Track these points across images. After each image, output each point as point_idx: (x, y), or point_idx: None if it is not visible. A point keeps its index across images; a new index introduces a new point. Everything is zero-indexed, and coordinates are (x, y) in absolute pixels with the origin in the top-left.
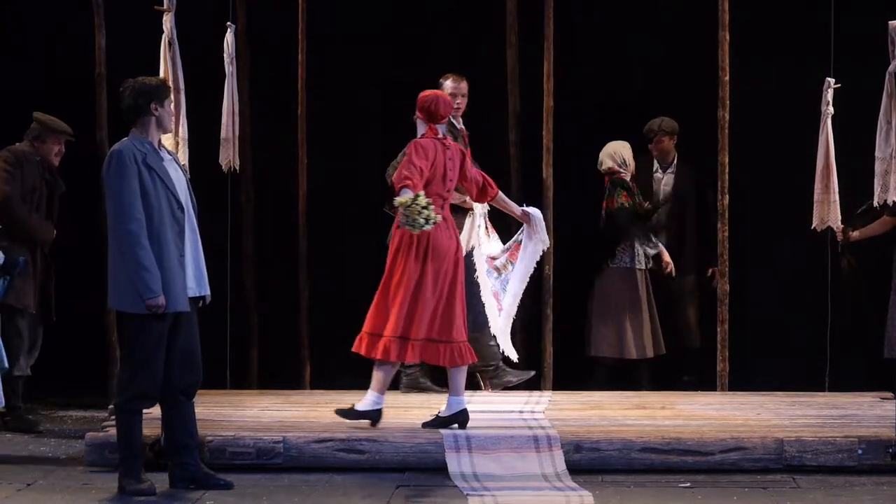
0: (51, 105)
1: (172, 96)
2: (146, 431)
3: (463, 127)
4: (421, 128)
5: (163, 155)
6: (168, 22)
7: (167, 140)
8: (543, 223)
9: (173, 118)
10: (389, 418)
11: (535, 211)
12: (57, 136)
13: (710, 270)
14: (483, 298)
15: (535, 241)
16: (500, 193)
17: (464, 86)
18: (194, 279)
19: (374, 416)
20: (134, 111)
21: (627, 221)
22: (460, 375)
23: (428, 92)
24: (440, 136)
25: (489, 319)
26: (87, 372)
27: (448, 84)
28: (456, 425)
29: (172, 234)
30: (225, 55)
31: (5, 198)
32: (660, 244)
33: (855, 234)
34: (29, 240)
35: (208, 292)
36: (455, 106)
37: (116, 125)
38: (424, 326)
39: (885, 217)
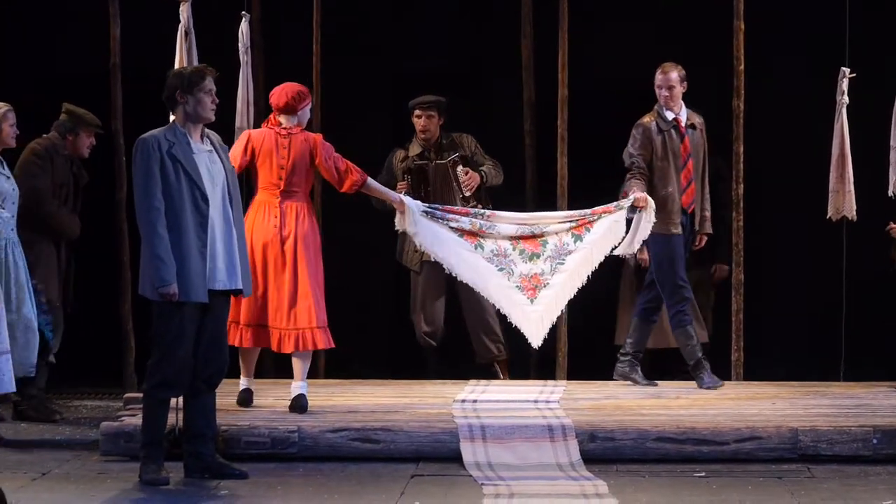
0: (66, 95)
1: (210, 85)
2: None
3: (679, 116)
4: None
5: (196, 146)
6: (185, 11)
7: None
8: (416, 214)
9: (212, 108)
10: (404, 408)
11: (409, 200)
12: (90, 128)
13: (714, 267)
14: (497, 281)
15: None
16: (370, 180)
17: (672, 76)
18: (225, 272)
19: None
20: (167, 100)
21: None
22: (303, 362)
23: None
24: (283, 125)
25: (506, 301)
26: (103, 361)
27: (656, 75)
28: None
29: (194, 225)
30: (240, 45)
31: (34, 192)
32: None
33: None
34: (55, 234)
35: (241, 286)
36: (664, 96)
37: (131, 115)
38: (255, 312)
39: None
